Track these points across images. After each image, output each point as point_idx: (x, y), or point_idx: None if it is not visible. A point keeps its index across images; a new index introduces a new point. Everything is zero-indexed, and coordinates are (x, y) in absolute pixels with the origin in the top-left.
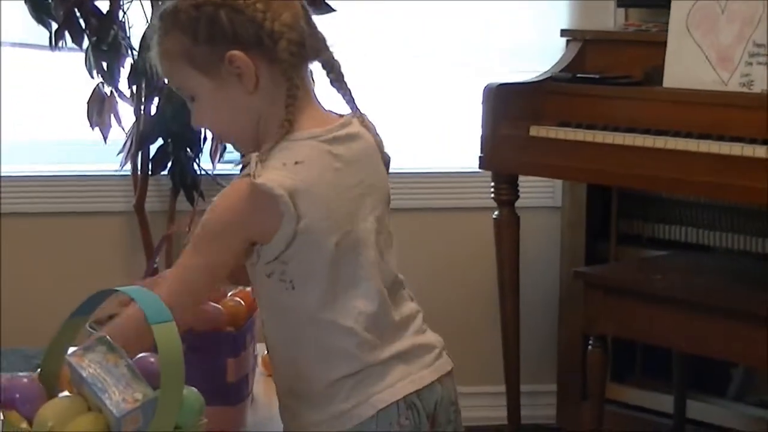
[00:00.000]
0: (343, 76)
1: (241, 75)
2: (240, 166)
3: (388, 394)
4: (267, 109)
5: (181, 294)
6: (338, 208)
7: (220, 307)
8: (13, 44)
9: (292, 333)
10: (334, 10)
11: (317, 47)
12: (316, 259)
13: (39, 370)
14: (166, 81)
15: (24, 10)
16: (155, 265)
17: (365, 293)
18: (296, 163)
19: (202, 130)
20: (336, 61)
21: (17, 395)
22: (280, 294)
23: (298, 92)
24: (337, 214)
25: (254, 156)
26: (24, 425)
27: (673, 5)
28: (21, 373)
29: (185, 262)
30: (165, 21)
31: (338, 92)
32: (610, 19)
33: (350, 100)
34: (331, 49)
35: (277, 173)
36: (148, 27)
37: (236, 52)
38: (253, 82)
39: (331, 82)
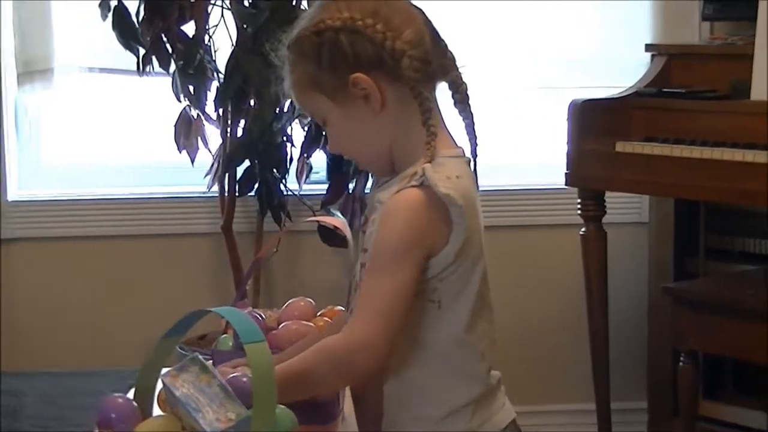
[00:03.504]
0: (468, 98)
1: (368, 96)
2: (381, 186)
3: (502, 416)
4: (400, 129)
5: (382, 325)
6: (481, 228)
7: (312, 324)
8: (102, 70)
9: (425, 355)
10: None
11: (444, 66)
12: (470, 277)
13: (134, 389)
14: (301, 109)
15: (109, 36)
16: (247, 287)
17: (490, 317)
18: (457, 177)
19: (288, 150)
20: (464, 82)
21: (113, 415)
22: (422, 314)
23: (431, 106)
24: (481, 234)
25: (428, 166)
26: None
27: (760, 18)
28: (116, 393)
29: (376, 290)
30: (291, 51)
31: (460, 114)
32: (695, 33)
33: (470, 125)
34: (459, 70)
35: (447, 184)
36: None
37: (359, 75)
38: (380, 103)
39: (455, 104)
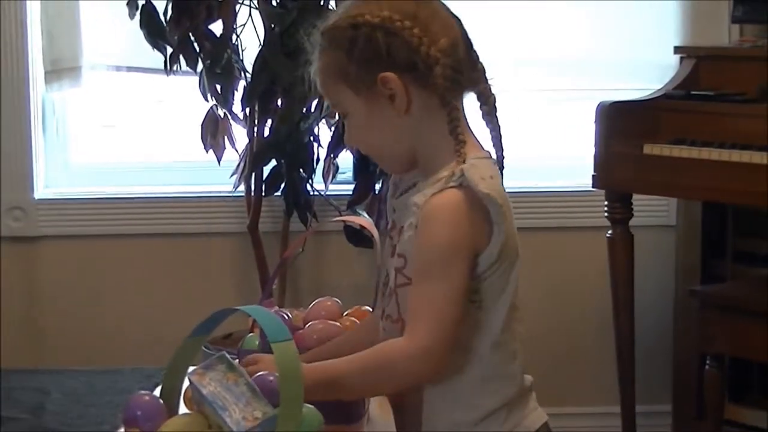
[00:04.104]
0: (496, 110)
1: (393, 97)
2: (405, 190)
3: (535, 418)
4: (424, 133)
5: (442, 331)
6: (515, 229)
7: (338, 324)
8: (129, 68)
9: (464, 358)
10: None
11: (474, 77)
12: (509, 277)
13: (160, 387)
14: (323, 96)
15: (137, 35)
16: (274, 286)
17: (521, 317)
18: (491, 177)
19: (315, 150)
20: (492, 94)
21: (139, 413)
22: (465, 316)
23: (459, 115)
24: (516, 235)
25: (466, 166)
26: None
27: None
28: (142, 391)
29: (431, 296)
30: (325, 37)
31: (487, 126)
32: (724, 35)
33: (497, 137)
34: (489, 82)
35: (485, 184)
36: (308, 40)
37: (389, 74)
38: (405, 106)
39: (483, 116)
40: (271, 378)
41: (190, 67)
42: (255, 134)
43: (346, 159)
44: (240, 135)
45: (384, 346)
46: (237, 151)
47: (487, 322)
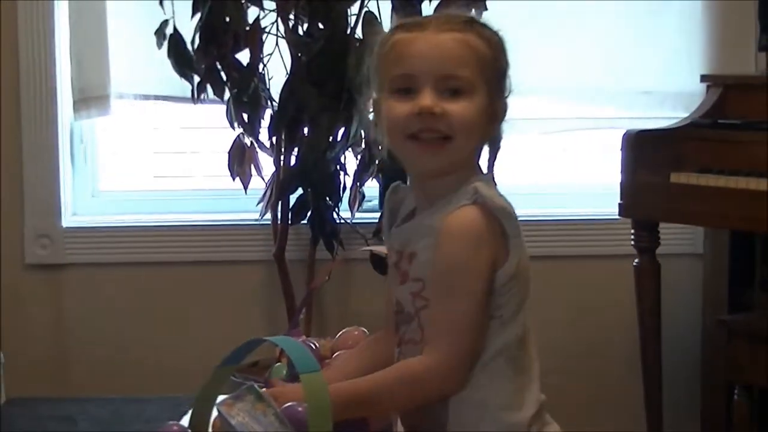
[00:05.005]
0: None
1: (496, 118)
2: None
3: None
4: (475, 151)
5: (463, 348)
6: None
7: None
8: (157, 97)
9: (488, 373)
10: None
11: None
12: (527, 290)
13: (189, 417)
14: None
15: (165, 64)
16: (301, 316)
17: (531, 329)
18: (500, 195)
19: (342, 180)
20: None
21: None
22: (487, 331)
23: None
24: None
25: (480, 184)
26: None
27: None
28: (171, 422)
29: (452, 313)
30: (488, 33)
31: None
32: (751, 64)
33: (493, 158)
34: None
35: (499, 198)
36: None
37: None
38: (495, 119)
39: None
40: (300, 408)
41: (217, 96)
42: (281, 163)
43: (372, 187)
44: (266, 163)
45: (408, 363)
46: (263, 179)
47: (508, 336)
